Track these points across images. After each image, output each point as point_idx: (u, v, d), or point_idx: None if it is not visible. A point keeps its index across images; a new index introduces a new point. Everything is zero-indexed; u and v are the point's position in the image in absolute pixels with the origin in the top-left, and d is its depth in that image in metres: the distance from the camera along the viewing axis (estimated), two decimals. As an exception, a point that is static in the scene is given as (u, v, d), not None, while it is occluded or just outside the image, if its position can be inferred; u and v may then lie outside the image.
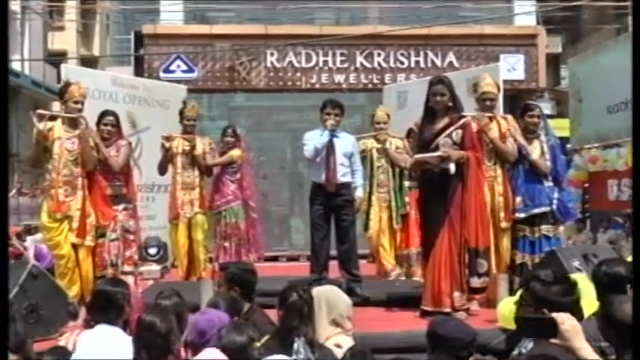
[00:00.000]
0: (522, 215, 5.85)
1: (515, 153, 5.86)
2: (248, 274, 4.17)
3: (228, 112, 12.81)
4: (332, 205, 6.27)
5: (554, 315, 2.52)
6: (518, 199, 5.86)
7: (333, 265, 6.41)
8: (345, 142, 6.39)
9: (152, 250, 8.57)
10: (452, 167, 5.29)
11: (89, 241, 5.69)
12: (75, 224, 5.64)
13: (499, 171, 5.91)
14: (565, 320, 2.49)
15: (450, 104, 5.44)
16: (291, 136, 11.16)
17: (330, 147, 6.24)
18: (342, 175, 6.27)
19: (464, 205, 5.30)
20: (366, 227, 7.60)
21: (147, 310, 3.20)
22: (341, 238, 6.30)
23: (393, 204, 7.57)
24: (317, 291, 3.62)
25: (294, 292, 3.40)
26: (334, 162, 6.21)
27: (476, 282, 5.41)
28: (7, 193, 4.81)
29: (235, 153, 7.43)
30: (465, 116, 5.51)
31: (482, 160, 5.55)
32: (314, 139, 6.32)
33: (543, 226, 5.84)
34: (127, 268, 6.01)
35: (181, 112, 7.48)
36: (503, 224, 5.84)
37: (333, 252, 6.40)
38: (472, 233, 5.33)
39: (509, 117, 6.07)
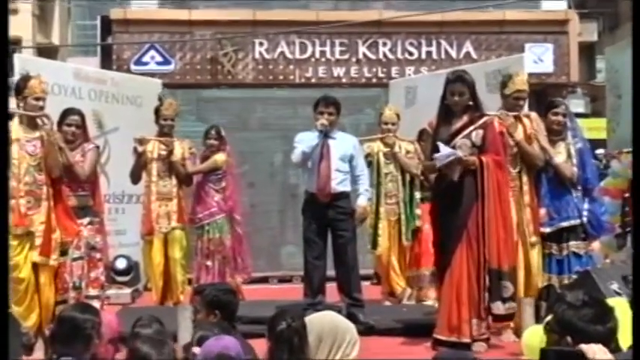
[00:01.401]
0: (548, 230, 5.89)
1: (542, 157, 5.90)
2: (228, 295, 4.20)
3: (197, 107, 12.64)
4: (327, 218, 6.32)
5: (583, 347, 2.46)
6: (543, 211, 5.90)
7: (332, 287, 6.46)
8: (344, 144, 6.44)
9: (122, 271, 8.61)
10: (455, 176, 5.36)
11: (54, 260, 5.64)
12: (38, 240, 5.59)
13: (525, 178, 5.95)
14: (596, 352, 2.43)
15: (470, 103, 5.49)
16: (281, 137, 11.16)
17: (323, 150, 6.29)
18: (339, 183, 6.32)
19: (483, 218, 5.34)
20: (374, 244, 7.65)
21: (139, 339, 3.21)
22: (339, 256, 6.35)
23: (403, 217, 7.62)
24: (312, 318, 3.60)
25: (283, 320, 3.40)
26: (328, 168, 6.26)
27: (500, 308, 5.40)
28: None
29: (219, 158, 7.48)
30: (485, 115, 5.56)
31: (504, 164, 5.58)
32: (304, 142, 6.37)
33: (572, 242, 5.87)
34: (93, 291, 6.01)
35: (157, 111, 7.52)
36: (533, 239, 5.89)
37: (332, 272, 6.44)
38: (493, 251, 5.36)
39: (533, 115, 6.12)
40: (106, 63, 12.99)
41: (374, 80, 12.96)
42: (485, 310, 5.42)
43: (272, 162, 11.59)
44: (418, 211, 7.66)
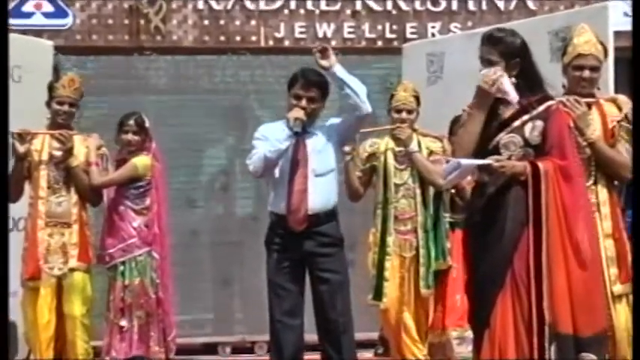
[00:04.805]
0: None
1: (629, 164, 5.97)
2: None
3: (109, 84, 12.23)
4: (303, 253, 6.39)
5: None
6: None
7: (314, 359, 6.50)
8: (325, 141, 6.54)
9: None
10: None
11: None
12: None
13: (605, 195, 6.06)
14: None
15: (513, 80, 5.51)
16: (238, 131, 11.13)
17: (297, 154, 6.38)
18: (320, 197, 6.41)
19: (539, 254, 5.35)
20: (378, 293, 7.67)
21: None
22: (323, 311, 6.41)
23: (423, 252, 7.66)
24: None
25: None
26: (304, 179, 6.35)
27: None
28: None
29: (141, 162, 7.52)
30: (548, 97, 5.62)
31: (573, 173, 5.57)
32: (269, 140, 6.43)
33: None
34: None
35: (51, 89, 7.56)
36: (617, 287, 5.97)
37: (313, 336, 6.48)
38: (562, 307, 5.35)
39: (622, 99, 6.19)
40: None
41: (379, 43, 13.00)
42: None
43: (224, 169, 11.57)
44: (448, 244, 7.75)
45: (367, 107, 6.45)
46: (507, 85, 5.42)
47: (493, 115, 5.52)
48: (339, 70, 6.38)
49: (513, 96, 5.43)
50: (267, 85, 10.52)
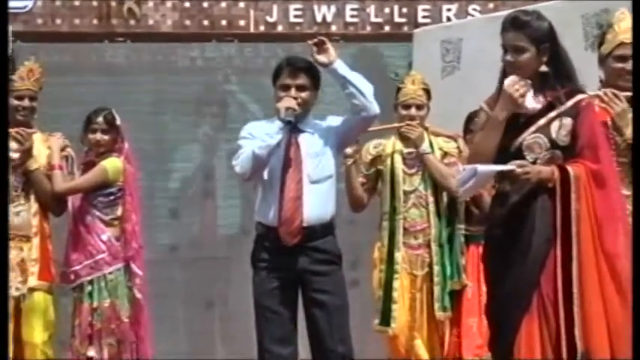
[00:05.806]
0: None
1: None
2: None
3: (76, 76, 12.11)
4: (296, 272, 6.39)
5: None
6: None
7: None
8: (320, 139, 6.53)
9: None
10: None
11: None
12: None
13: (648, 202, 6.05)
14: None
15: (544, 68, 5.54)
16: (223, 129, 11.15)
17: (289, 153, 6.39)
18: (316, 207, 6.40)
19: (568, 271, 5.35)
20: (386, 317, 7.69)
21: None
22: (319, 340, 6.39)
23: (437, 268, 7.68)
24: None
25: None
26: (298, 183, 6.36)
27: None
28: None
29: (112, 165, 7.52)
30: (578, 90, 5.61)
31: (609, 178, 5.56)
32: (256, 139, 6.42)
33: None
34: None
35: (6, 82, 7.57)
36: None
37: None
38: (598, 333, 5.36)
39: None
40: None
41: (387, 29, 13.01)
42: None
43: (207, 172, 11.58)
44: (463, 261, 7.77)
45: (375, 108, 6.38)
46: (530, 99, 5.44)
47: (515, 113, 5.52)
48: (340, 67, 6.34)
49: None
50: (259, 77, 10.56)
